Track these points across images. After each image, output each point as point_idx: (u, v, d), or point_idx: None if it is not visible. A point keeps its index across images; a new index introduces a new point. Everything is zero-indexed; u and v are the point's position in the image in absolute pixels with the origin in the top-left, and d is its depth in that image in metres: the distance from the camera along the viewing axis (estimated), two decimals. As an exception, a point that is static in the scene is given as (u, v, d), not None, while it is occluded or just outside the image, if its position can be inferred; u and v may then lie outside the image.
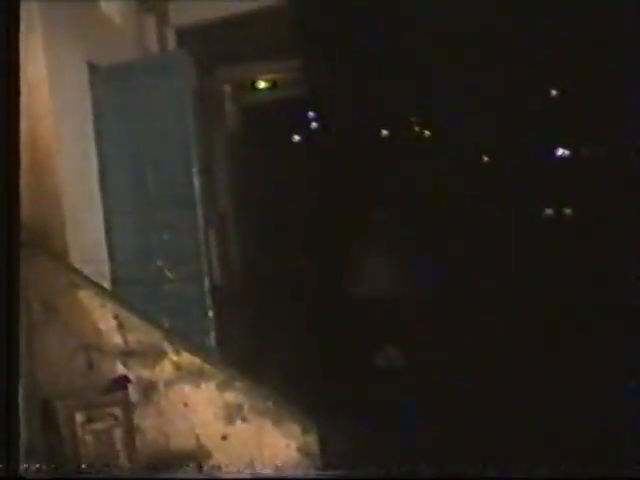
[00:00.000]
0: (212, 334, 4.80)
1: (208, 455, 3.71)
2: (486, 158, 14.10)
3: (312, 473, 3.68)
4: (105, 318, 3.73)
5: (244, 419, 3.74)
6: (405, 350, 6.07)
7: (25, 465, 2.88)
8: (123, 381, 3.65)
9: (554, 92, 13.53)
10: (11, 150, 2.62)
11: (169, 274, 4.81)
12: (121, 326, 3.72)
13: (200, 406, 3.73)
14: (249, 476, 3.66)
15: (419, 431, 4.54)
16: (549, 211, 12.42)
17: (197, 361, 3.76)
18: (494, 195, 10.56)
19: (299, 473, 3.72)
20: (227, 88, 9.51)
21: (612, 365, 5.21)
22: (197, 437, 3.71)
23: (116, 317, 3.73)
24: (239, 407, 3.74)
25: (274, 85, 10.02)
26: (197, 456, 3.69)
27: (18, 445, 2.51)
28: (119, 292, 4.52)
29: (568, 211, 12.35)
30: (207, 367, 3.77)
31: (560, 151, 13.75)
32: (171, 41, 6.38)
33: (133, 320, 3.76)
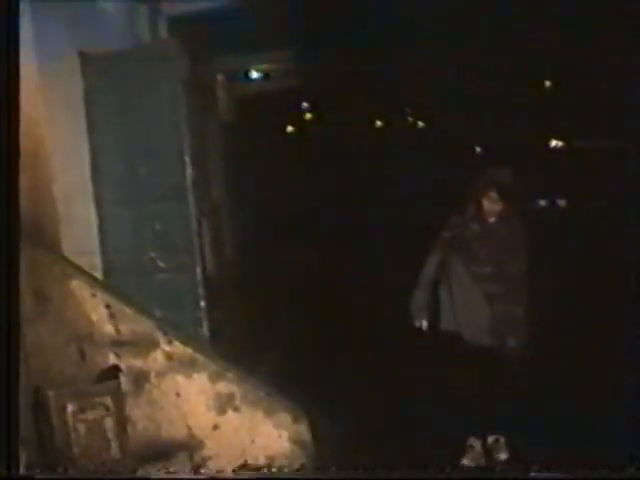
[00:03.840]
0: (204, 324, 4.80)
1: (200, 445, 3.72)
2: (479, 149, 14.13)
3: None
4: (97, 308, 3.72)
5: (236, 409, 3.75)
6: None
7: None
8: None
9: (548, 83, 13.55)
10: (11, 144, 2.60)
11: (161, 264, 4.80)
12: (113, 316, 3.72)
13: (192, 396, 3.73)
14: (246, 476, 3.68)
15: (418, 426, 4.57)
16: (542, 202, 12.46)
17: (189, 351, 3.76)
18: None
19: (291, 463, 3.74)
20: (220, 78, 9.46)
21: (611, 362, 5.22)
22: (189, 427, 3.72)
23: (108, 307, 3.72)
24: (231, 397, 3.75)
25: (267, 75, 9.99)
26: (189, 446, 3.70)
27: (18, 445, 2.50)
28: (111, 282, 4.51)
29: (562, 202, 12.39)
30: (199, 357, 3.77)
31: (554, 142, 13.78)
32: (163, 30, 6.34)
33: (125, 310, 3.75)
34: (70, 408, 3.40)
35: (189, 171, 4.74)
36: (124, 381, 3.65)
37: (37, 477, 3.04)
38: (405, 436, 4.61)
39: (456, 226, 4.64)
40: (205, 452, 3.74)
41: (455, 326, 4.52)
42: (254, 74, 9.83)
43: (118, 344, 3.71)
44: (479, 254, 4.53)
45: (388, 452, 4.16)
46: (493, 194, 4.48)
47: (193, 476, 3.65)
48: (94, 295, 3.72)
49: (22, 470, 2.94)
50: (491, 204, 4.50)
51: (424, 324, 4.63)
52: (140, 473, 3.47)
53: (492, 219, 4.55)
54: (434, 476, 3.43)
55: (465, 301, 4.50)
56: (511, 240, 4.53)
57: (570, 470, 3.27)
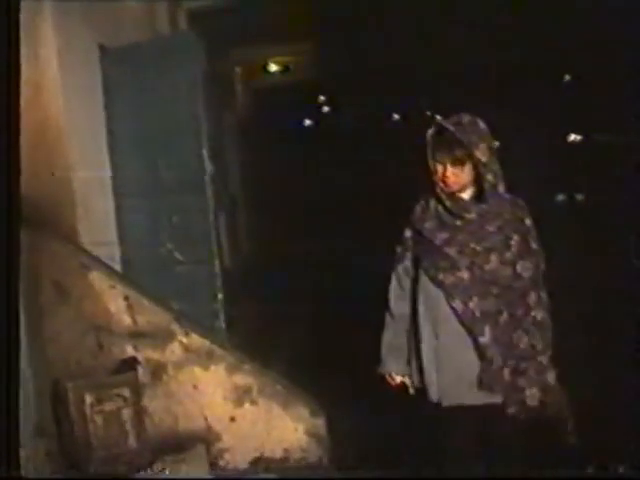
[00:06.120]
0: (222, 316, 4.81)
1: (217, 437, 3.74)
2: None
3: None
4: (115, 300, 3.75)
5: (253, 401, 3.76)
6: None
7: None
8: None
9: (567, 77, 13.45)
10: (11, 136, 2.60)
11: (179, 256, 4.81)
12: (131, 308, 3.74)
13: (209, 388, 3.75)
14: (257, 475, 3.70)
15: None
16: (561, 197, 12.37)
17: (206, 343, 3.78)
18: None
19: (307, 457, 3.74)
20: (238, 70, 9.48)
21: (612, 358, 5.15)
22: (206, 419, 3.74)
23: (126, 299, 3.75)
24: (248, 389, 3.76)
25: (286, 68, 10.00)
26: (205, 438, 3.72)
27: (18, 445, 2.52)
28: (129, 274, 4.53)
29: (580, 197, 12.29)
30: (216, 349, 3.78)
31: (572, 136, 13.68)
32: (182, 23, 6.35)
33: (143, 302, 3.78)
34: (88, 399, 3.43)
35: (207, 163, 4.74)
36: (142, 373, 3.67)
37: (31, 477, 3.05)
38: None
39: (417, 218, 2.89)
40: (222, 444, 3.76)
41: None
42: (273, 67, 9.84)
43: (136, 336, 3.74)
44: (446, 252, 2.73)
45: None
46: (443, 151, 2.76)
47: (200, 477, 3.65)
48: (112, 287, 3.75)
49: (42, 460, 2.98)
50: (448, 167, 2.74)
51: (407, 381, 3.09)
52: (157, 465, 3.48)
53: (455, 190, 2.76)
54: (434, 476, 3.41)
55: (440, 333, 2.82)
56: (495, 222, 2.74)
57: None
